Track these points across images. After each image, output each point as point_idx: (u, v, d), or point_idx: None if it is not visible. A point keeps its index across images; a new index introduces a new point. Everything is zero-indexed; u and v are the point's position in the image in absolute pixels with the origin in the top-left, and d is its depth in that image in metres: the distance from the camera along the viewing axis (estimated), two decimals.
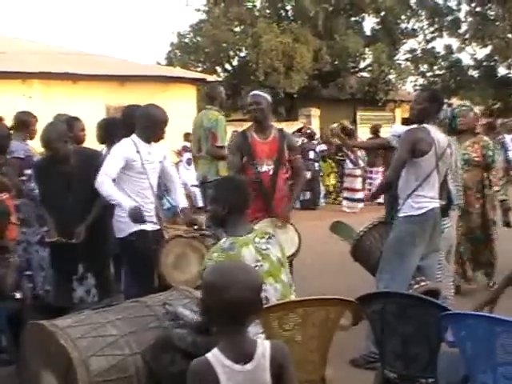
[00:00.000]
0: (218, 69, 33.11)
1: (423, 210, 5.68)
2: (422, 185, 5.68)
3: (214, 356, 2.62)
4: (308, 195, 17.43)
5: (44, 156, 6.61)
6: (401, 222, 5.73)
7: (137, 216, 5.60)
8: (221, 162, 8.13)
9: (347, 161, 16.85)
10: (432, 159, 5.67)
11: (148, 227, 5.84)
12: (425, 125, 5.75)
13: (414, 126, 5.81)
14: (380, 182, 6.04)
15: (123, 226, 5.81)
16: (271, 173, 6.34)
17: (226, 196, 4.40)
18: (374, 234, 6.00)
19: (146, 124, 5.89)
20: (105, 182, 5.70)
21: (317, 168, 17.79)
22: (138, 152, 5.81)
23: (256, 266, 4.16)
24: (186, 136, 14.38)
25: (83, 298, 6.64)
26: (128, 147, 5.84)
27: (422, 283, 5.62)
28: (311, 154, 17.63)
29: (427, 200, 5.70)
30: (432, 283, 5.75)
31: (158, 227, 6.04)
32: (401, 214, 5.75)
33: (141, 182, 5.88)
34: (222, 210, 4.39)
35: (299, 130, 19.05)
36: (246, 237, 4.34)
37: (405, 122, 28.84)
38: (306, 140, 18.19)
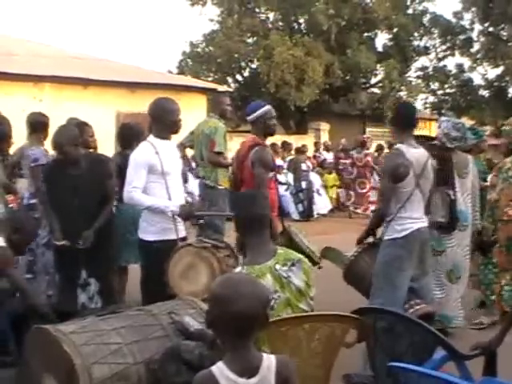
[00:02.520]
0: (229, 79, 33.14)
1: (407, 232, 5.60)
2: (404, 206, 5.60)
3: (219, 369, 2.60)
4: (303, 206, 18.03)
5: (54, 159, 6.63)
6: (386, 246, 5.66)
7: (188, 213, 5.61)
8: (220, 170, 8.11)
9: (375, 174, 17.42)
10: (411, 180, 5.60)
11: (174, 235, 5.64)
12: (398, 146, 5.68)
13: (390, 151, 5.73)
14: (374, 218, 5.89)
15: (154, 230, 5.65)
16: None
17: (239, 215, 4.30)
18: (365, 257, 5.92)
19: (160, 117, 5.74)
20: (136, 196, 5.55)
21: (310, 179, 18.69)
22: (156, 153, 5.62)
23: (273, 298, 4.02)
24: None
25: (86, 304, 6.64)
26: (146, 151, 5.65)
27: (417, 307, 5.54)
28: (303, 166, 18.70)
29: (411, 221, 5.61)
30: (427, 306, 5.68)
31: (185, 234, 5.87)
32: (385, 237, 5.68)
33: (159, 185, 5.64)
34: (239, 233, 4.34)
35: (363, 144, 19.04)
36: (264, 265, 4.09)
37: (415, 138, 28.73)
38: (295, 156, 19.28)
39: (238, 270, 4.12)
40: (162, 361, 3.97)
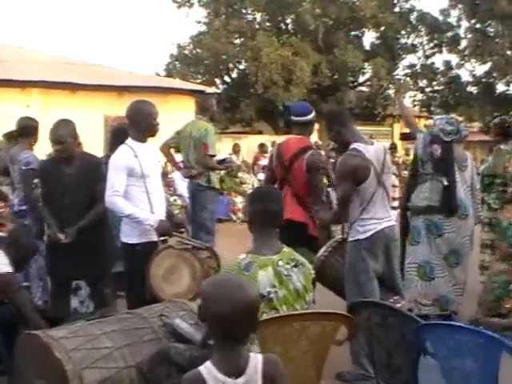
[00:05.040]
0: (217, 81, 33.14)
1: (370, 233, 5.49)
2: (366, 208, 5.49)
3: (207, 369, 2.62)
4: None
5: (50, 157, 6.69)
6: (350, 248, 5.58)
7: (165, 230, 5.57)
8: (212, 173, 8.19)
9: None
10: (373, 180, 5.46)
11: (155, 237, 5.59)
12: (354, 145, 5.49)
13: (347, 152, 5.51)
14: (333, 221, 5.90)
15: (135, 232, 5.61)
16: None
17: (249, 206, 4.31)
18: (336, 256, 5.85)
19: (136, 120, 5.70)
20: (118, 202, 5.50)
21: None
22: (135, 156, 5.58)
23: (270, 292, 4.01)
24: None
25: (77, 308, 6.62)
26: (125, 154, 5.61)
27: (398, 304, 5.50)
28: None
29: (374, 222, 5.50)
30: (407, 303, 5.67)
31: (166, 237, 5.79)
32: (349, 239, 5.61)
33: (138, 188, 5.61)
34: (251, 226, 4.25)
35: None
36: (269, 257, 4.10)
37: (403, 136, 28.91)
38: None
39: (242, 256, 4.10)
40: (152, 363, 3.96)
